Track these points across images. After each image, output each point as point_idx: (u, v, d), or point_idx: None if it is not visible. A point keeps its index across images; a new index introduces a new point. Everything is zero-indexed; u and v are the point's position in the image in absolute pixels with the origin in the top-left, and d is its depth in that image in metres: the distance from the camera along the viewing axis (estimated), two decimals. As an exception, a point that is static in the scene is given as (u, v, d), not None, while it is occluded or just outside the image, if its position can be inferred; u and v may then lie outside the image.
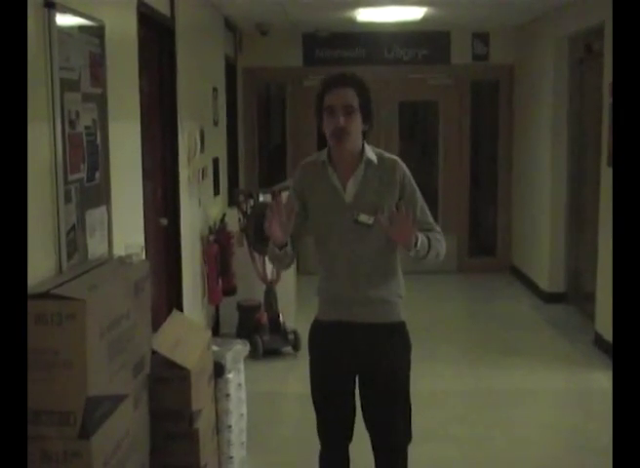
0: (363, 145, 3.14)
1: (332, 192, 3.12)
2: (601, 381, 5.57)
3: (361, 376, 3.21)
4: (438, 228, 3.22)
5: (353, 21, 8.36)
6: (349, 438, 3.30)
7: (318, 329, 3.26)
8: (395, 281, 3.21)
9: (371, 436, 3.25)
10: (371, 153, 3.14)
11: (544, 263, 8.21)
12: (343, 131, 3.03)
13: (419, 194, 3.21)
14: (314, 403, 3.28)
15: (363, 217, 3.07)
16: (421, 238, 3.04)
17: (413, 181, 3.20)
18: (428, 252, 3.09)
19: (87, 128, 3.38)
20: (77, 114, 3.26)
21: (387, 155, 3.20)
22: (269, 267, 6.52)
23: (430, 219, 3.22)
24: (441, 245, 3.17)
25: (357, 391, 3.26)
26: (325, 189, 3.13)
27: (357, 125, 3.06)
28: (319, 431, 3.30)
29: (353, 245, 3.11)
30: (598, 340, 6.36)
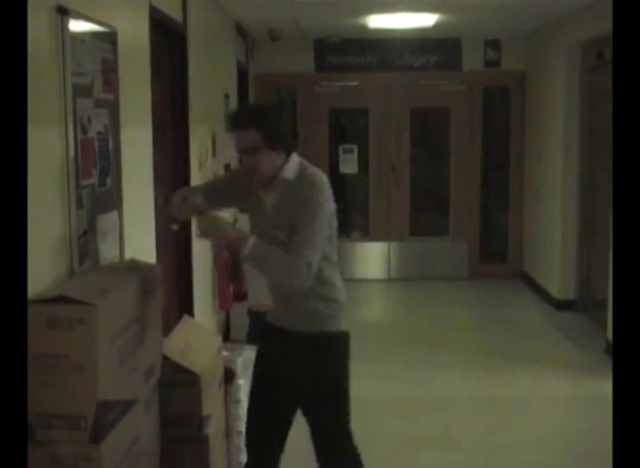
0: (287, 162, 3.10)
1: (258, 204, 3.18)
2: (612, 389, 5.54)
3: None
4: (299, 256, 2.95)
5: (365, 28, 8.36)
6: (278, 448, 3.39)
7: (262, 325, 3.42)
8: (321, 295, 3.15)
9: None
10: (289, 172, 3.09)
11: (555, 270, 8.18)
12: (252, 170, 3.07)
13: (310, 218, 2.99)
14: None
15: (280, 234, 3.04)
16: (256, 246, 2.92)
17: (315, 203, 3.01)
18: (262, 264, 2.99)
19: (99, 133, 3.39)
20: (89, 119, 3.27)
21: (312, 174, 3.09)
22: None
23: (298, 245, 2.96)
24: (280, 265, 2.96)
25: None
26: (253, 200, 3.21)
27: (264, 159, 3.04)
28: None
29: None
30: (609, 348, 6.33)
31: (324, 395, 3.24)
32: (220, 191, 3.43)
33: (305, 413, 3.29)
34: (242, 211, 7.37)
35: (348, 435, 3.29)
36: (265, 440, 3.37)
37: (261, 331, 3.42)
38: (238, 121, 3.06)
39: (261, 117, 3.05)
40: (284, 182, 3.08)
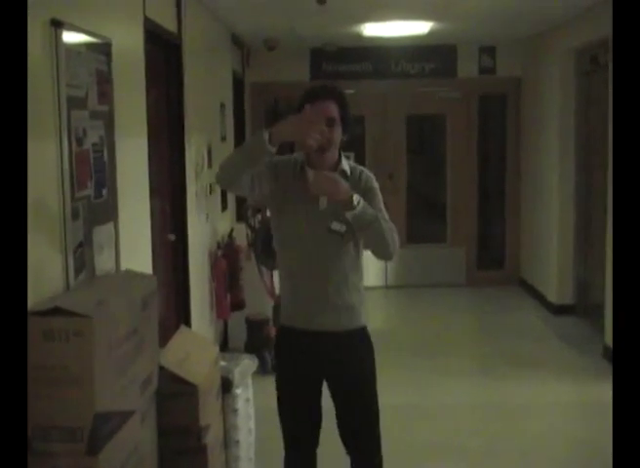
0: (340, 156, 3.20)
1: (306, 197, 3.09)
2: (610, 393, 5.54)
3: (330, 383, 3.28)
4: (392, 224, 3.16)
5: (360, 36, 8.38)
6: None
7: (284, 335, 3.31)
8: (358, 286, 3.23)
9: (345, 443, 3.31)
10: (345, 164, 3.20)
11: (553, 276, 8.19)
12: (327, 141, 3.07)
13: (380, 202, 3.21)
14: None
15: (335, 226, 3.09)
16: (365, 204, 3.02)
17: (377, 191, 3.22)
18: (372, 222, 3.02)
19: (94, 145, 3.40)
20: (84, 131, 3.28)
21: (359, 167, 3.27)
22: (277, 282, 6.52)
23: (386, 216, 3.17)
24: (391, 229, 3.09)
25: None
26: (300, 192, 3.12)
27: (338, 136, 3.14)
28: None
29: (323, 250, 3.13)
30: (607, 352, 6.33)
31: (366, 392, 3.25)
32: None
33: (343, 411, 3.27)
34: (239, 219, 7.39)
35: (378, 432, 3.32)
36: (306, 441, 3.36)
37: (283, 338, 3.33)
38: (324, 91, 3.14)
39: (342, 96, 3.18)
40: (343, 175, 3.14)
